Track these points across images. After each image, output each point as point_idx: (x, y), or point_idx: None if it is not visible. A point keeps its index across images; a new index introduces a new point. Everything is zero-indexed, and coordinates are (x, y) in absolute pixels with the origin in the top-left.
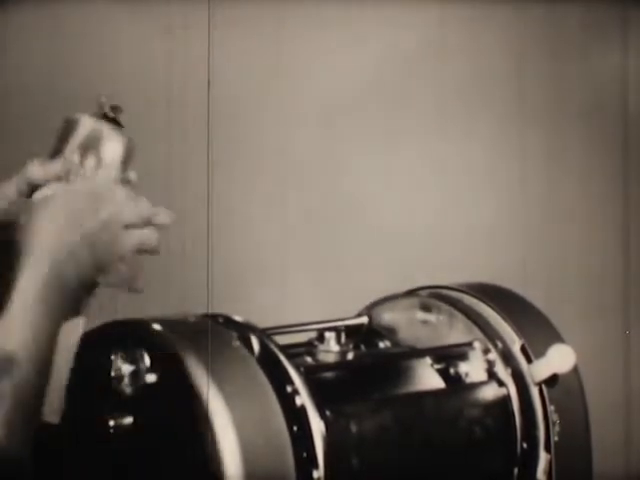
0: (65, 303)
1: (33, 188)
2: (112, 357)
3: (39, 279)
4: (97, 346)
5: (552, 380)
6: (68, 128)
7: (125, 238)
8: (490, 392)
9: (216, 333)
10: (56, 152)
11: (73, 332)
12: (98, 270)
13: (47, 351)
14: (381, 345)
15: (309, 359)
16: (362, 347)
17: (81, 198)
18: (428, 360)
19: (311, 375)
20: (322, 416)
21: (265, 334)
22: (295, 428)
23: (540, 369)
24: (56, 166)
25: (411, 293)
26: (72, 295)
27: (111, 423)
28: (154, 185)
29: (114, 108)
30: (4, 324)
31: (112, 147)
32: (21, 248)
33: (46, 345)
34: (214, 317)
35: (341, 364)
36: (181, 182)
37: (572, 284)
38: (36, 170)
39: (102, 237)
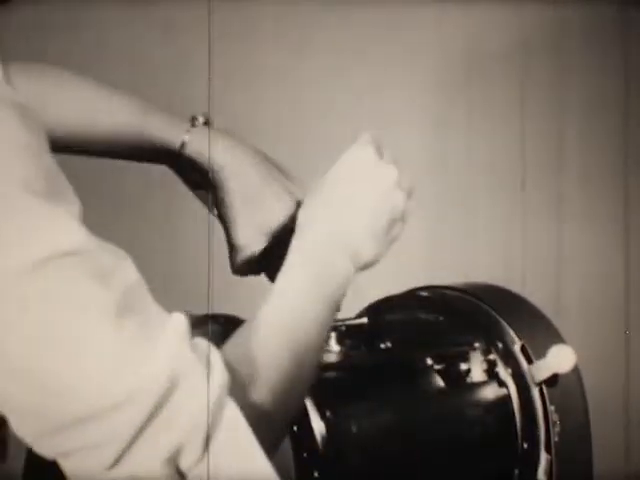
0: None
1: None
2: None
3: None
4: None
5: (552, 380)
6: None
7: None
8: (490, 392)
9: (216, 333)
10: None
11: None
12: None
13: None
14: (381, 345)
15: None
16: (362, 347)
17: None
18: (428, 360)
19: None
20: (322, 416)
21: None
22: (295, 428)
23: (540, 369)
24: None
25: (411, 293)
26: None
27: None
28: (153, 183)
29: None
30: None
31: None
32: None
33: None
34: (214, 317)
35: (341, 364)
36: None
37: (572, 284)
38: None
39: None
